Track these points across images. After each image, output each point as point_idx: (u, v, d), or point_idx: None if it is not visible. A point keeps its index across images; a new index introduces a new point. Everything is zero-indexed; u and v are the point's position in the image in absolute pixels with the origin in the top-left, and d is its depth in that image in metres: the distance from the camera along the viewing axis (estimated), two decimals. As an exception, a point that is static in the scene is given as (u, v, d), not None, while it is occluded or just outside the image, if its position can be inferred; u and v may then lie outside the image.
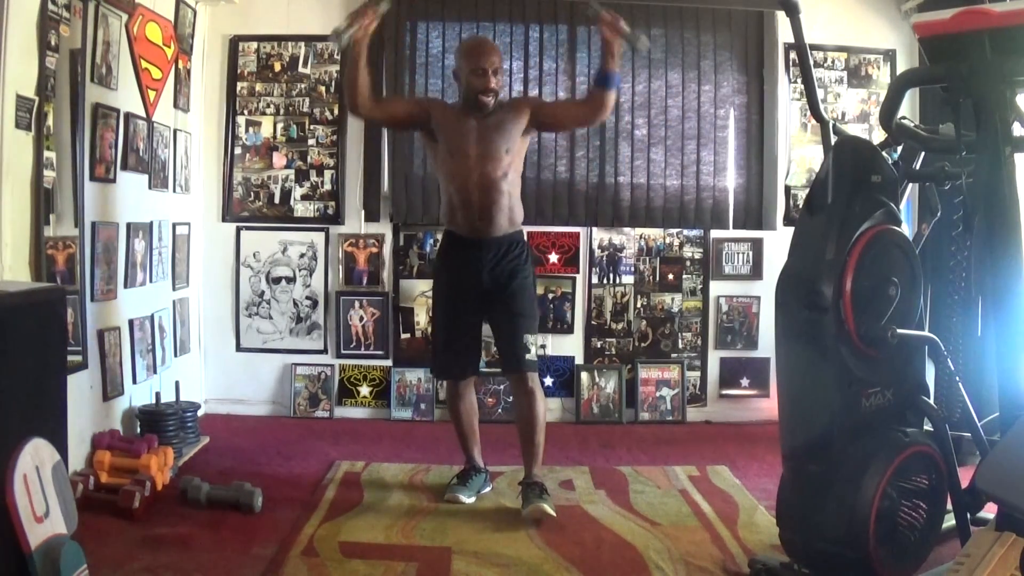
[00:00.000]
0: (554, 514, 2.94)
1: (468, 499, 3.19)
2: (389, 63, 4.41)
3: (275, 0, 4.47)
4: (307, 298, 4.51)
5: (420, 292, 4.52)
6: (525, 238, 3.27)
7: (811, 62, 2.91)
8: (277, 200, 4.50)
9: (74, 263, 3.18)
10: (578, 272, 4.55)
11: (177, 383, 3.83)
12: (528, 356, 3.11)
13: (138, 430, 3.55)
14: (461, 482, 3.25)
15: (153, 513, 2.93)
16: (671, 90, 4.50)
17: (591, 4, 2.97)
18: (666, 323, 4.61)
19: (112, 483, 3.04)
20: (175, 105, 4.07)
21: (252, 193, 4.49)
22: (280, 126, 4.48)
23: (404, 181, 4.43)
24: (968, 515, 2.41)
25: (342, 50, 3.03)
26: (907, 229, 2.69)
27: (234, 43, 4.47)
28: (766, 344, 4.52)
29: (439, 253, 3.38)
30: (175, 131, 4.08)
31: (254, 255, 4.50)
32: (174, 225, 4.11)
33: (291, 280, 4.51)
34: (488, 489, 3.35)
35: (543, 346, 4.45)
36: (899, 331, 2.30)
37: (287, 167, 4.49)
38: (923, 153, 2.93)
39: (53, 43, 2.97)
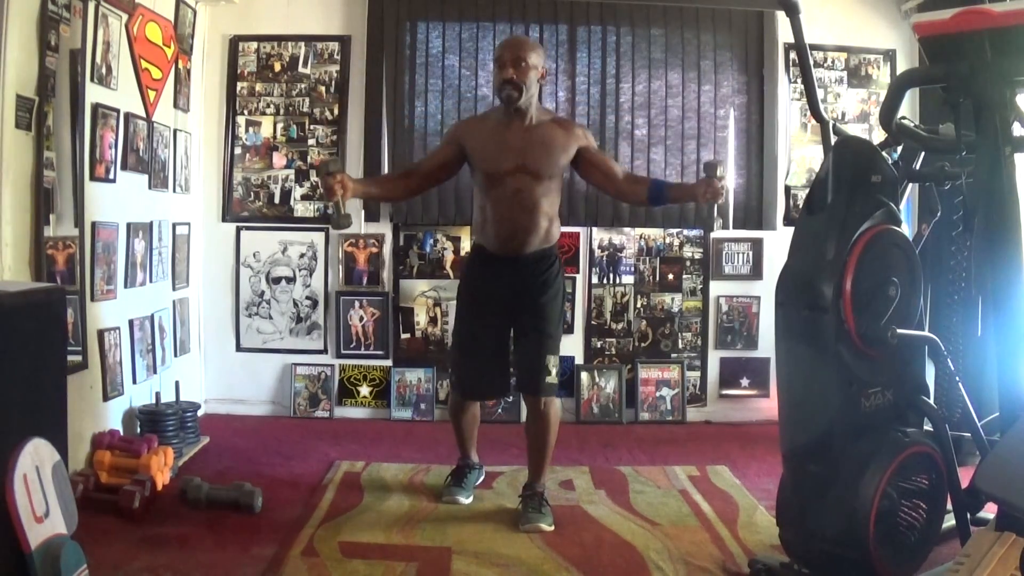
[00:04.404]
0: (550, 529, 2.90)
1: (466, 500, 3.19)
2: (389, 63, 4.41)
3: (275, 0, 4.47)
4: (307, 298, 4.51)
5: (420, 292, 4.52)
6: (557, 252, 3.09)
7: (811, 62, 2.91)
8: (277, 200, 4.50)
9: (74, 263, 3.18)
10: (578, 272, 4.55)
11: (177, 383, 3.83)
12: (548, 380, 2.99)
13: (138, 430, 3.55)
14: (457, 482, 3.24)
15: (153, 513, 2.93)
16: (671, 90, 4.50)
17: (719, 163, 2.80)
18: (666, 323, 4.61)
19: (112, 483, 3.04)
20: (175, 105, 4.07)
21: (252, 193, 4.49)
22: (280, 126, 4.48)
23: (404, 181, 4.42)
24: (968, 515, 2.41)
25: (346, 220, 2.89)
26: (907, 229, 2.69)
27: (234, 43, 4.47)
28: (766, 344, 4.52)
29: (465, 268, 3.24)
30: (175, 131, 4.07)
31: (254, 255, 4.50)
32: (174, 225, 4.11)
33: (291, 280, 4.51)
34: (481, 479, 3.36)
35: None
36: (899, 331, 2.30)
37: (287, 167, 4.49)
38: (923, 153, 2.93)
39: (53, 43, 2.97)
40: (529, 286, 3.00)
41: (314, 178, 4.47)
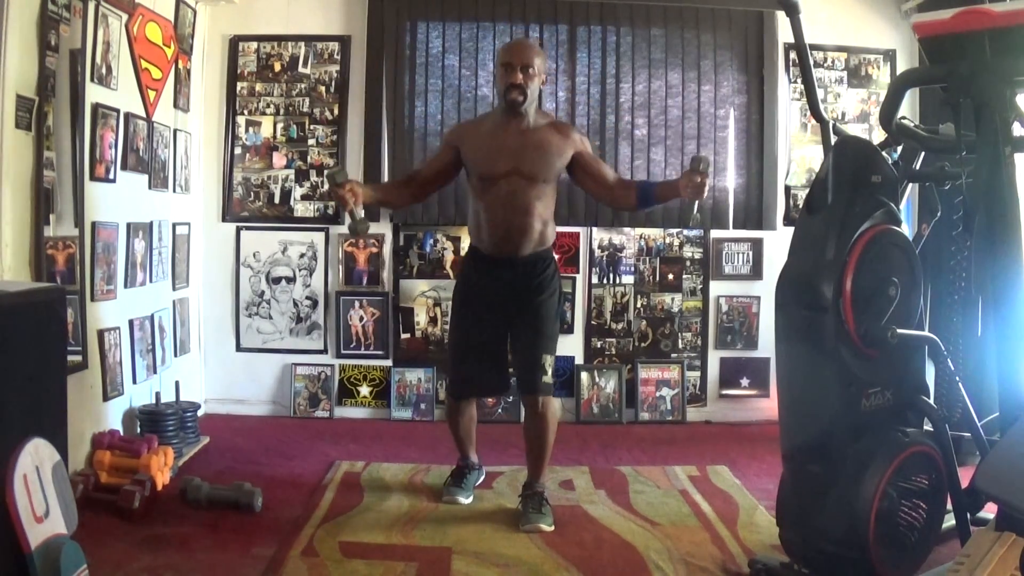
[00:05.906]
0: (550, 529, 2.90)
1: (466, 499, 3.19)
2: (389, 63, 4.41)
3: (275, 0, 4.47)
4: (307, 298, 4.51)
5: (420, 292, 4.52)
6: (553, 254, 3.12)
7: (811, 62, 2.91)
8: (277, 200, 4.50)
9: (74, 263, 3.18)
10: (578, 272, 4.55)
11: (177, 383, 3.83)
12: (544, 379, 3.01)
13: (138, 430, 3.55)
14: (456, 482, 3.24)
15: (153, 513, 2.93)
16: (671, 90, 4.50)
17: (703, 158, 2.76)
18: (666, 323, 4.61)
19: (112, 483, 3.04)
20: (175, 105, 4.07)
21: (252, 193, 4.49)
22: (280, 126, 4.48)
23: (404, 181, 4.42)
24: (968, 515, 2.41)
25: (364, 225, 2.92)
26: (907, 229, 2.69)
27: (234, 43, 4.47)
28: (766, 344, 4.52)
29: (461, 270, 3.27)
30: (175, 131, 4.08)
31: (254, 255, 4.50)
32: (174, 225, 4.11)
33: (291, 280, 4.51)
34: (482, 479, 3.37)
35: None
36: (899, 331, 2.30)
37: (287, 167, 4.49)
38: (923, 153, 2.93)
39: (53, 43, 2.97)
40: (525, 288, 3.02)
41: (314, 177, 4.47)
